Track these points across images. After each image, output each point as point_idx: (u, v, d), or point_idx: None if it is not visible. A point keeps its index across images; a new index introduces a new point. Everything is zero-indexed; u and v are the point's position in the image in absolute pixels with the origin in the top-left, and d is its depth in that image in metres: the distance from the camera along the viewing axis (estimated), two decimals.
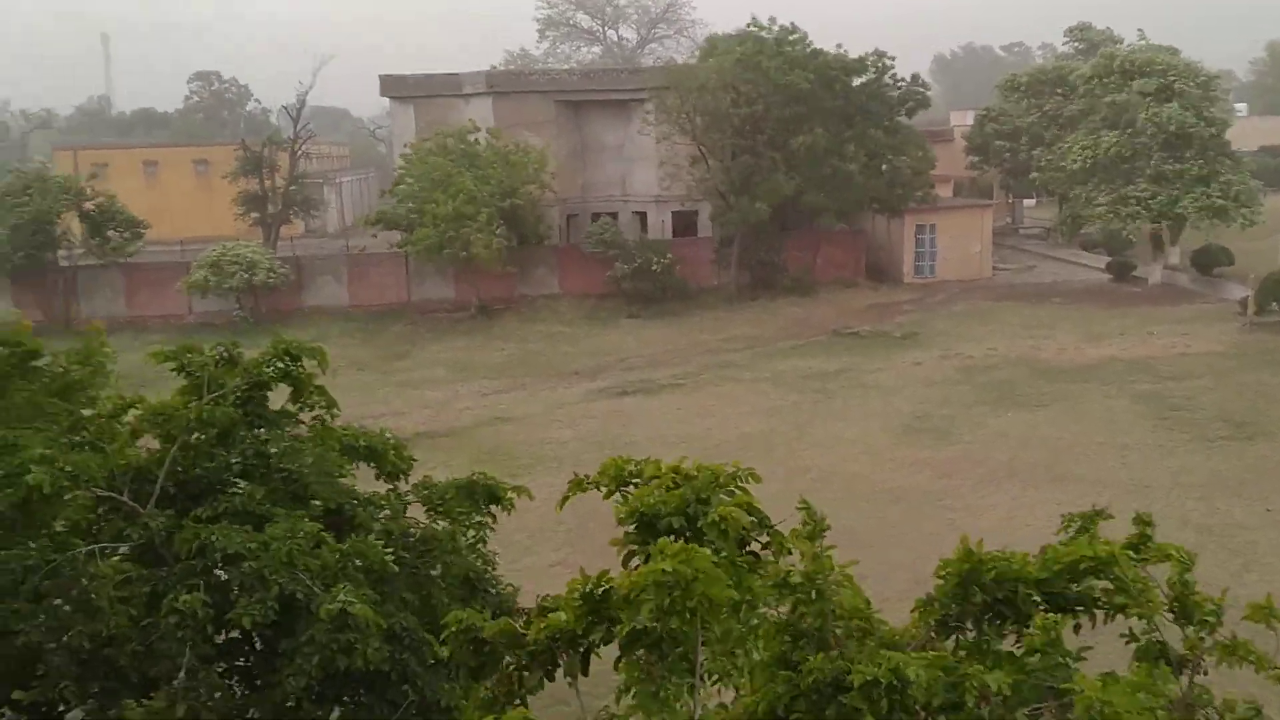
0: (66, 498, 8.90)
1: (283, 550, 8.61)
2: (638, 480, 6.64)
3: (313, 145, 70.31)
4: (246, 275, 46.25)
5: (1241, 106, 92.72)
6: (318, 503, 10.00)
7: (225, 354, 10.39)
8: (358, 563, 9.07)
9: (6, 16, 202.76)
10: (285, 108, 63.58)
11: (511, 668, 6.46)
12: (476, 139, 48.11)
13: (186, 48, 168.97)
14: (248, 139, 65.28)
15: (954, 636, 6.68)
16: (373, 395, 34.80)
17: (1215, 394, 30.94)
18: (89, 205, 48.18)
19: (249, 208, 62.42)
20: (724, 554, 6.09)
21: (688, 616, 5.58)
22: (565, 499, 6.70)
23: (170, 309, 48.41)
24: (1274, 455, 25.61)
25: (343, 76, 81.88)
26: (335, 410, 10.91)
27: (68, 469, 8.83)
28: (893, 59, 49.08)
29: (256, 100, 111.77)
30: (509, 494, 10.88)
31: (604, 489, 6.67)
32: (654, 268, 47.56)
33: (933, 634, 6.68)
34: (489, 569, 10.86)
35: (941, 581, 6.65)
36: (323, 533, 9.28)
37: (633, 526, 6.30)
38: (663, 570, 5.53)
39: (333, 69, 65.34)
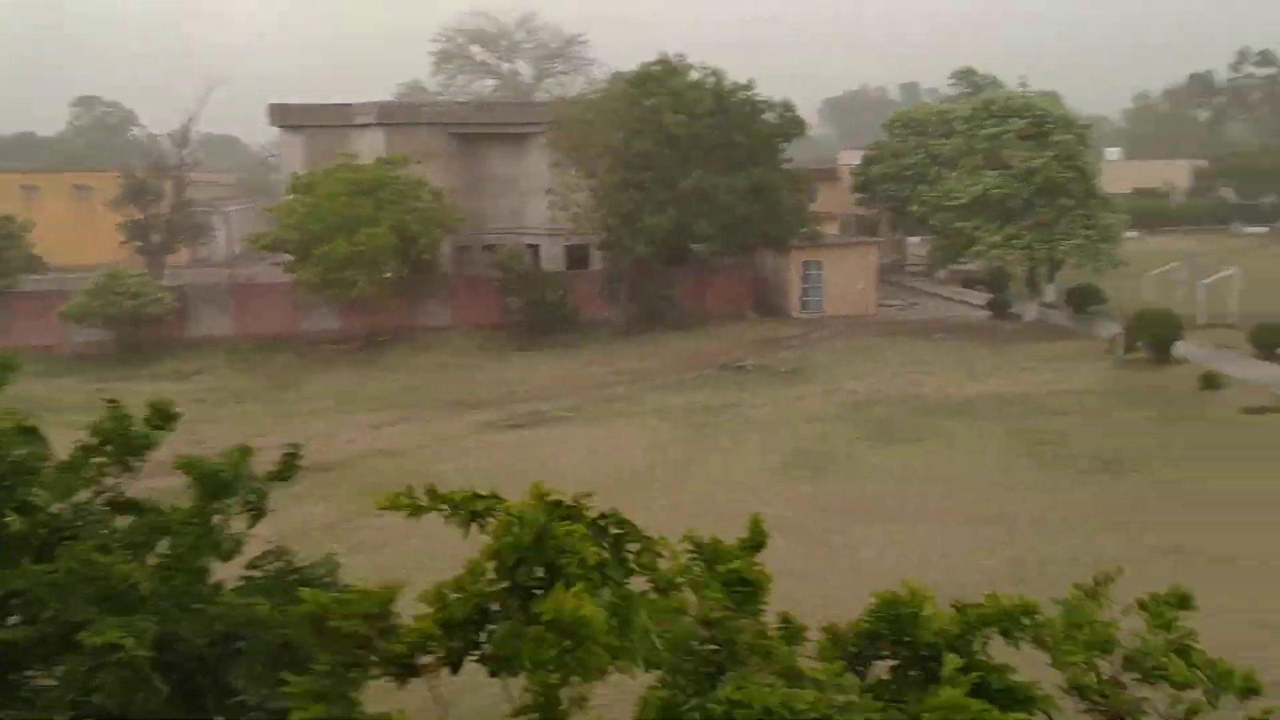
0: None
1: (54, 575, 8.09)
2: (491, 514, 6.57)
3: (199, 173, 68.98)
4: (130, 304, 45.01)
5: (1114, 151, 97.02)
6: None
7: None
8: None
9: None
10: (170, 134, 62.44)
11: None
12: (373, 171, 47.66)
13: (77, 72, 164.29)
14: (132, 164, 63.85)
15: (856, 672, 6.82)
16: (254, 426, 33.98)
17: (1086, 429, 32.00)
18: None
19: (132, 235, 60.97)
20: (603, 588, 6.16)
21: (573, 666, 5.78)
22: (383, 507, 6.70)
23: (48, 339, 46.79)
24: (1141, 489, 26.49)
25: (238, 104, 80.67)
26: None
27: None
28: (749, 85, 49.38)
29: (143, 125, 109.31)
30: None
31: (449, 516, 6.63)
32: (548, 299, 47.64)
33: (843, 666, 6.78)
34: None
35: (865, 623, 6.87)
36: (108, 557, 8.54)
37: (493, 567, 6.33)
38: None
39: (228, 96, 64.27)
